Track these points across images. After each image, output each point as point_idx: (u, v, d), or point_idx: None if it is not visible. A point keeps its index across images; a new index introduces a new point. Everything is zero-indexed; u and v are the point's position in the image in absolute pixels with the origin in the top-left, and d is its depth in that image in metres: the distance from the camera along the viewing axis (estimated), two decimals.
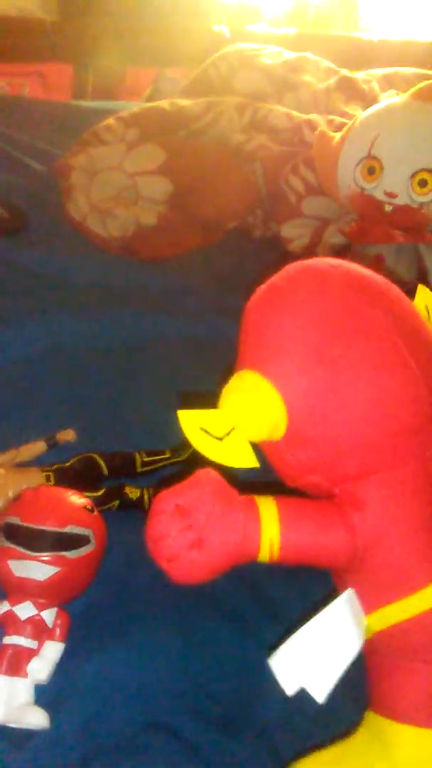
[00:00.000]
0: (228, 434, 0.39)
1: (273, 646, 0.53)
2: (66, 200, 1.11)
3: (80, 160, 1.13)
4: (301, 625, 0.40)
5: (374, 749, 0.41)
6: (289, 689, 0.39)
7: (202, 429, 0.39)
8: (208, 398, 0.43)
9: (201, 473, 0.41)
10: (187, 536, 0.38)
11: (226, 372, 0.44)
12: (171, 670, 0.52)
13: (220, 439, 0.39)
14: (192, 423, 0.39)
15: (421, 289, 0.46)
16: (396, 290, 0.43)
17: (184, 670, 0.52)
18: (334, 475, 0.41)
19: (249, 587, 0.57)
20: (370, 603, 0.41)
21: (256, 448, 0.41)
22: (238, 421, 0.39)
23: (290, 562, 0.40)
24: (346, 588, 0.41)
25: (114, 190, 1.11)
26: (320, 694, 0.38)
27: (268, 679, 0.52)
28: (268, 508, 0.40)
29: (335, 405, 0.38)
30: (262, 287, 0.43)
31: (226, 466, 0.40)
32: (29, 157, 1.31)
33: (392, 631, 0.40)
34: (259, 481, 0.44)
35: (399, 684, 0.41)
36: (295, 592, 0.57)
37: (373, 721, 0.42)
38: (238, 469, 0.40)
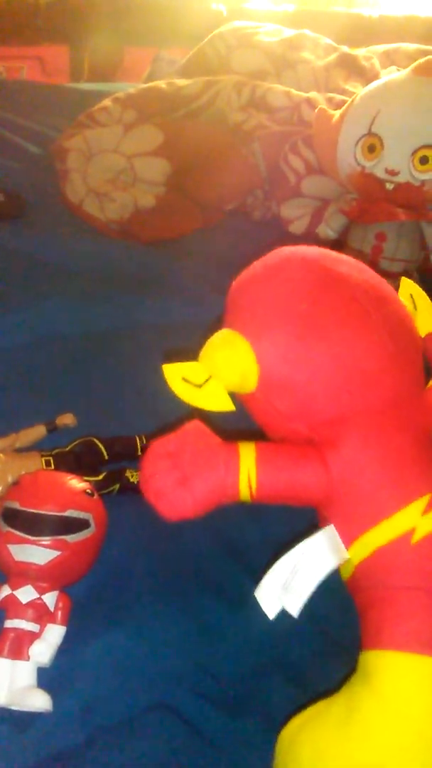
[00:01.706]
0: (206, 382, 0.44)
1: (274, 627, 0.53)
2: (63, 184, 1.10)
3: (77, 142, 1.11)
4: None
5: (359, 682, 0.41)
6: (271, 613, 0.43)
7: (183, 379, 0.45)
8: (189, 355, 0.48)
9: (190, 424, 0.46)
10: (172, 474, 0.42)
11: (209, 331, 0.49)
12: (173, 651, 0.52)
13: (199, 386, 0.44)
14: (175, 374, 0.45)
15: (404, 281, 0.50)
16: (362, 267, 0.48)
17: (187, 651, 0.52)
18: (311, 419, 0.45)
19: (248, 570, 0.57)
20: (349, 534, 0.43)
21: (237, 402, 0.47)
22: (214, 370, 0.44)
23: (269, 499, 0.44)
24: (326, 524, 0.45)
25: (111, 173, 1.10)
26: (295, 609, 0.42)
27: (271, 660, 0.52)
28: (247, 449, 0.44)
29: (304, 353, 0.42)
30: (250, 268, 0.50)
31: (212, 421, 0.45)
32: (26, 140, 1.30)
33: (372, 560, 0.43)
34: (246, 430, 0.48)
35: (382, 612, 0.42)
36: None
37: (360, 661, 0.43)
38: (220, 418, 0.45)
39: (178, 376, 0.45)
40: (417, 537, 0.40)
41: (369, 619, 0.43)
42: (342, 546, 0.44)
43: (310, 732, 0.41)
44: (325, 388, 0.43)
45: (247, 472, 0.42)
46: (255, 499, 0.44)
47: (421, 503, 0.41)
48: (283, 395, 0.44)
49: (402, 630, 0.40)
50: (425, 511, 0.41)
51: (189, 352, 0.48)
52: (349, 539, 0.44)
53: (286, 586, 0.42)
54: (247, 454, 0.43)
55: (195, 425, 0.46)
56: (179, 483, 0.42)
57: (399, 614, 0.41)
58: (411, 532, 0.41)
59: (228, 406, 0.44)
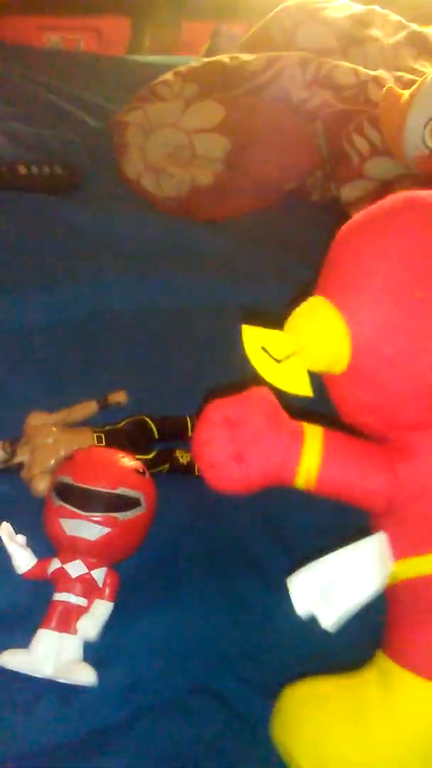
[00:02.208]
0: (288, 358, 0.38)
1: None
2: (121, 158, 1.10)
3: (136, 116, 1.10)
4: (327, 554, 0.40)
5: (375, 687, 0.40)
6: (300, 610, 0.39)
7: (263, 348, 0.39)
8: (274, 319, 0.42)
9: (255, 390, 0.41)
10: (229, 448, 0.39)
11: (301, 294, 0.42)
12: (217, 634, 0.52)
13: (279, 361, 0.39)
14: (254, 340, 0.39)
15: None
16: None
17: (230, 635, 0.52)
18: (390, 421, 0.40)
19: (294, 556, 0.56)
20: (401, 550, 0.41)
21: (316, 377, 0.41)
22: (299, 346, 0.38)
23: (325, 495, 0.41)
24: (379, 530, 0.41)
25: (170, 148, 1.08)
26: (329, 622, 0.39)
27: (315, 649, 0.52)
28: (313, 437, 0.40)
29: (405, 350, 0.36)
30: (358, 214, 0.42)
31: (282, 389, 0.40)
32: (85, 112, 1.29)
33: (416, 582, 0.40)
34: (315, 411, 0.43)
35: (413, 633, 0.40)
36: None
37: (381, 661, 0.42)
38: (291, 395, 0.40)
39: (257, 343, 0.39)
40: None
41: (399, 631, 0.42)
42: (389, 559, 0.41)
43: (315, 714, 0.41)
44: (419, 392, 0.38)
45: (309, 463, 0.39)
46: (311, 491, 0.41)
47: None
48: (367, 388, 0.38)
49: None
50: None
51: (273, 316, 0.42)
52: (400, 555, 0.41)
53: (325, 593, 0.39)
54: (313, 443, 0.39)
55: (260, 393, 0.41)
56: (234, 458, 0.39)
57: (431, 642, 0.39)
58: None
59: (307, 390, 0.39)
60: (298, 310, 0.40)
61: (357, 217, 0.41)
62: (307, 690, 0.43)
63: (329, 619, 0.39)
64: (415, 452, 0.39)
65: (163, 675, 0.49)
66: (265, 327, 0.40)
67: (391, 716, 0.39)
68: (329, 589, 0.38)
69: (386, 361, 0.37)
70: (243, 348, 0.40)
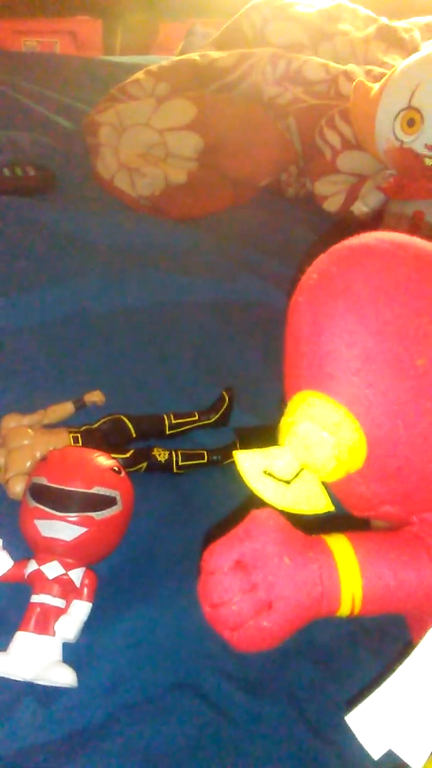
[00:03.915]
0: (297, 476, 0.32)
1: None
2: (94, 158, 1.09)
3: (108, 116, 1.10)
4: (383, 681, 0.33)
5: None
6: (375, 751, 0.32)
7: (265, 472, 0.32)
8: (265, 430, 0.35)
9: (260, 515, 0.34)
10: (253, 600, 0.32)
11: (280, 398, 0.35)
12: (199, 631, 0.51)
13: (288, 482, 0.32)
14: (252, 465, 0.33)
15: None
16: None
17: (211, 632, 0.51)
18: (414, 506, 0.35)
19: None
20: None
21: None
22: (309, 458, 0.31)
23: (374, 614, 0.34)
24: (425, 629, 0.34)
25: (143, 147, 1.08)
26: (415, 760, 0.31)
27: (297, 643, 0.52)
28: (343, 551, 0.33)
29: (424, 425, 0.30)
30: (312, 276, 0.34)
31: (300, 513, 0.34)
32: (57, 114, 1.29)
33: None
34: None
35: None
36: None
37: None
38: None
39: (257, 469, 0.32)
40: None
41: None
42: None
43: None
44: None
45: (352, 585, 0.32)
46: (355, 616, 0.34)
47: None
48: (388, 479, 0.32)
49: None
50: None
51: (263, 428, 0.38)
52: None
53: (396, 724, 0.31)
54: (347, 560, 0.32)
55: (265, 517, 0.34)
56: (260, 610, 0.32)
57: None
58: None
59: (328, 506, 0.33)
60: (290, 414, 0.33)
61: (311, 281, 0.34)
62: None
63: (417, 760, 0.31)
64: None
65: (144, 673, 0.48)
66: (259, 446, 0.33)
67: None
68: (402, 717, 0.31)
69: (404, 444, 0.31)
70: (238, 468, 0.34)
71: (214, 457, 0.64)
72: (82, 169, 1.11)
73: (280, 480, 0.32)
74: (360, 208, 0.99)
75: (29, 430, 0.61)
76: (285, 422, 0.32)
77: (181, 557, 0.56)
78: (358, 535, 0.34)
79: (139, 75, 1.17)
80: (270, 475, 0.32)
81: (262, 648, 0.32)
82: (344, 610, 0.33)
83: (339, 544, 0.33)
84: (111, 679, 0.48)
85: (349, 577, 0.32)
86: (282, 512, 0.34)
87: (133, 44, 2.11)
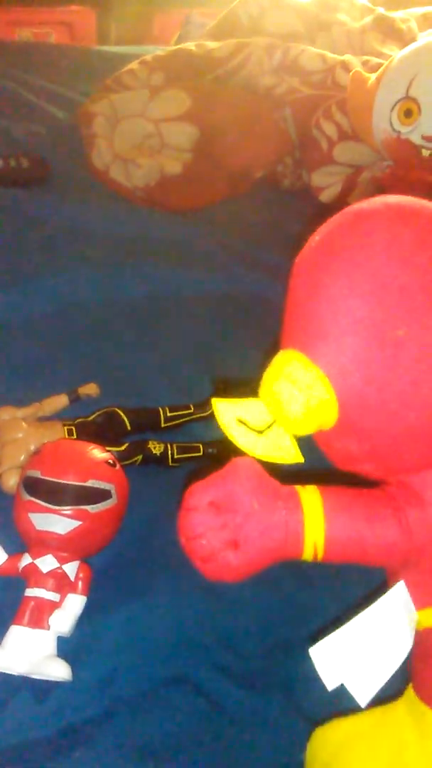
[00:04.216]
0: (269, 427, 0.34)
1: (295, 603, 0.52)
2: (89, 149, 1.08)
3: (103, 106, 1.09)
4: (347, 619, 0.36)
5: (411, 730, 0.39)
6: (330, 683, 0.35)
7: (239, 420, 0.35)
8: (245, 383, 0.37)
9: (238, 462, 0.36)
10: (221, 536, 0.34)
11: (270, 349, 0.36)
12: (195, 625, 0.51)
13: (261, 432, 0.34)
14: (228, 413, 0.35)
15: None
16: None
17: (209, 625, 0.51)
18: (389, 467, 0.36)
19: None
20: (424, 600, 0.37)
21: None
22: (280, 413, 0.33)
23: (335, 562, 0.36)
24: (397, 579, 0.37)
25: (138, 138, 1.07)
26: (363, 696, 0.34)
27: (293, 635, 0.51)
28: (312, 502, 0.35)
29: (396, 394, 0.31)
30: (314, 238, 0.35)
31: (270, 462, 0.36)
32: (52, 104, 1.28)
33: None
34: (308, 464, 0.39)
35: None
36: None
37: (413, 701, 0.40)
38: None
39: (232, 416, 0.35)
40: None
41: (426, 674, 0.39)
42: (413, 608, 0.37)
43: (353, 759, 0.39)
44: (417, 437, 0.33)
45: (314, 533, 0.34)
46: (319, 561, 0.36)
47: None
48: (359, 438, 0.34)
49: None
50: None
51: (243, 380, 0.37)
52: (423, 604, 0.37)
53: (354, 663, 0.34)
54: (314, 514, 0.35)
55: (243, 465, 0.36)
56: (229, 545, 0.34)
57: None
58: None
59: (297, 457, 0.35)
60: (271, 368, 0.34)
61: (312, 243, 0.35)
62: (341, 732, 0.40)
63: (365, 696, 0.34)
64: (423, 497, 0.35)
65: (140, 667, 0.48)
66: (238, 396, 0.36)
67: (428, 759, 0.37)
68: (358, 657, 0.34)
69: (376, 409, 0.32)
70: (217, 417, 0.36)
71: (210, 450, 0.63)
72: (77, 160, 1.10)
73: (253, 429, 0.34)
74: (357, 199, 0.98)
75: (23, 423, 0.60)
76: (264, 377, 0.34)
77: (176, 550, 0.55)
78: (329, 489, 0.36)
79: (134, 65, 1.16)
80: (244, 423, 0.35)
81: (228, 579, 0.36)
82: (307, 555, 0.35)
83: (309, 495, 0.36)
84: (106, 673, 0.48)
85: (314, 525, 0.34)
86: (261, 462, 0.36)
87: (128, 34, 2.10)
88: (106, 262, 0.88)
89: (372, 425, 0.33)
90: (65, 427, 0.61)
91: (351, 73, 0.99)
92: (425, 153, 0.87)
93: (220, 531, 0.34)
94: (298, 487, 0.36)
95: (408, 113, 0.88)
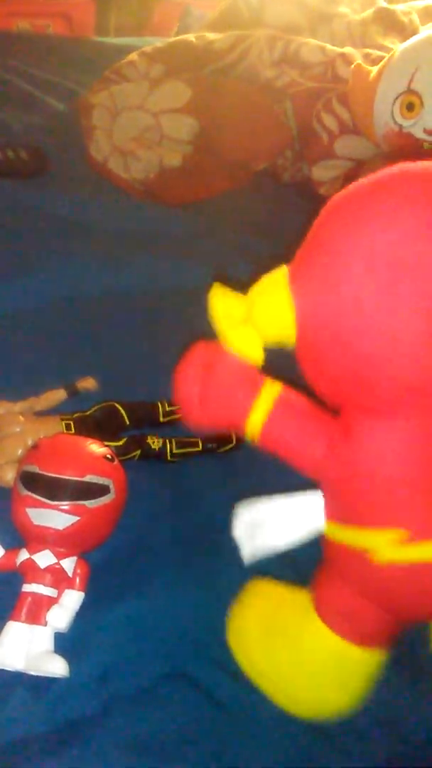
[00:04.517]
0: (243, 324, 0.39)
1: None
2: (87, 141, 1.07)
3: (102, 98, 1.08)
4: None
5: (307, 622, 0.43)
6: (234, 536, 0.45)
7: (226, 309, 0.39)
8: (247, 283, 0.41)
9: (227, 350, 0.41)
10: (196, 388, 0.41)
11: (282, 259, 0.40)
12: (192, 621, 0.51)
13: (236, 325, 0.39)
14: (220, 300, 0.40)
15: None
16: None
17: (206, 621, 0.51)
18: (332, 400, 0.40)
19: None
20: (330, 514, 0.42)
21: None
22: (251, 315, 0.38)
23: (269, 449, 0.42)
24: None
25: (137, 130, 1.06)
26: (246, 556, 0.45)
27: None
28: (269, 393, 0.41)
29: (342, 336, 0.34)
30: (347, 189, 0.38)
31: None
32: (50, 95, 1.27)
33: (338, 547, 0.42)
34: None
35: (324, 589, 0.44)
36: (317, 548, 0.55)
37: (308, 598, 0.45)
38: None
39: (222, 304, 0.39)
40: (379, 559, 0.38)
41: (318, 582, 0.45)
42: (319, 518, 0.43)
43: (259, 613, 0.45)
44: (352, 383, 0.36)
45: (256, 417, 0.40)
46: (257, 443, 0.42)
47: (400, 534, 0.37)
48: (311, 364, 0.38)
49: (336, 612, 0.42)
50: (401, 541, 0.37)
51: (246, 281, 0.41)
52: (329, 516, 0.43)
53: (254, 530, 0.44)
54: (267, 398, 0.41)
55: (232, 354, 0.41)
56: (199, 398, 0.41)
57: (336, 598, 0.43)
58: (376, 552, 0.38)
59: (257, 357, 0.39)
60: (265, 276, 0.39)
61: (348, 188, 0.38)
62: (261, 591, 0.47)
63: (246, 554, 0.44)
64: (355, 435, 0.38)
65: (137, 663, 0.48)
66: (235, 290, 0.40)
67: (313, 642, 0.43)
68: (258, 527, 0.43)
69: (325, 344, 0.35)
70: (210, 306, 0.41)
71: (209, 445, 0.63)
72: (76, 152, 1.09)
73: (232, 319, 0.39)
74: None
75: (20, 417, 0.60)
76: (260, 278, 0.39)
77: (174, 546, 0.56)
78: (293, 393, 0.42)
79: (134, 56, 1.15)
80: (227, 313, 0.39)
81: (191, 424, 0.43)
82: (249, 433, 0.42)
83: (271, 388, 0.42)
84: (103, 670, 0.47)
85: (260, 410, 0.40)
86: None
87: (127, 25, 2.08)
88: (104, 255, 0.88)
89: (320, 356, 0.37)
90: (63, 422, 0.61)
91: (352, 66, 0.98)
92: (427, 146, 0.87)
93: (197, 383, 0.42)
94: (267, 380, 0.42)
95: (410, 107, 0.87)
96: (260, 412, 0.40)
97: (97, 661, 0.48)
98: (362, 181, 0.37)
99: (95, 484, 0.49)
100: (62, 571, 0.49)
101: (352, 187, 0.36)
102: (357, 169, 1.02)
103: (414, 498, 0.37)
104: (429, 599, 0.38)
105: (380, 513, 0.38)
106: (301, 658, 0.43)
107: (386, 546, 0.37)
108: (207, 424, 0.42)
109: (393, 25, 1.26)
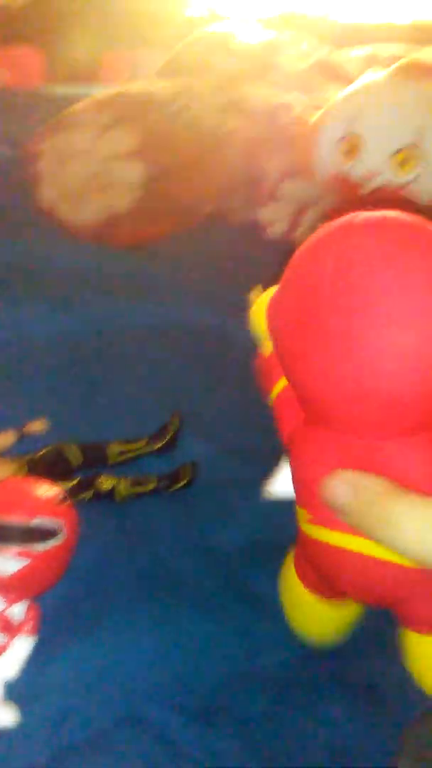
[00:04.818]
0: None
1: (250, 635, 0.52)
2: (35, 187, 1.09)
3: (50, 145, 1.10)
4: None
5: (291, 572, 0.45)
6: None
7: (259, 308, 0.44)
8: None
9: None
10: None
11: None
12: (146, 663, 0.50)
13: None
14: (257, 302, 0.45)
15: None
16: None
17: (161, 663, 0.51)
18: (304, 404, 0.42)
19: (224, 577, 0.56)
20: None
21: None
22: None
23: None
24: None
25: (85, 176, 1.08)
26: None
27: (245, 669, 0.51)
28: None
29: (291, 356, 0.36)
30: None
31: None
32: None
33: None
34: None
35: (296, 549, 0.44)
36: (272, 581, 0.56)
37: None
38: None
39: (258, 304, 0.45)
40: (304, 530, 0.40)
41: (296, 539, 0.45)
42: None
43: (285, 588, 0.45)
44: (299, 395, 0.39)
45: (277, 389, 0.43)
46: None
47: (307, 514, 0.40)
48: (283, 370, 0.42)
49: (299, 571, 0.44)
50: (309, 521, 0.39)
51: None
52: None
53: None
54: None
55: None
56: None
57: (297, 556, 0.44)
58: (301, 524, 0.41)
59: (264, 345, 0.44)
60: (262, 294, 0.45)
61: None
62: None
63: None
64: (299, 433, 0.40)
65: (91, 708, 0.47)
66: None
67: (295, 592, 0.44)
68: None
69: (285, 358, 0.37)
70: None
71: (162, 484, 0.63)
72: (24, 199, 1.10)
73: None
74: (303, 235, 1.00)
75: None
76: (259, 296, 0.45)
77: (127, 586, 0.55)
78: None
79: (81, 105, 1.18)
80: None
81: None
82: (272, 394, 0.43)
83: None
84: (55, 716, 0.46)
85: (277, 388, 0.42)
86: None
87: (77, 74, 2.13)
88: (54, 299, 0.88)
89: (285, 367, 0.38)
90: (14, 465, 0.60)
91: (294, 113, 1.02)
92: (367, 188, 0.90)
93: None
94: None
95: (350, 151, 0.91)
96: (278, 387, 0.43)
97: (49, 707, 0.47)
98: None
99: (44, 527, 0.49)
100: (12, 616, 0.48)
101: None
102: (302, 210, 1.06)
103: (317, 492, 0.39)
104: (334, 575, 0.39)
105: (298, 494, 0.41)
106: (294, 601, 0.46)
107: (303, 521, 0.39)
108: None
109: (334, 72, 1.32)
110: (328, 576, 0.40)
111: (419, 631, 0.40)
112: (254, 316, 0.47)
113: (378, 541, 0.29)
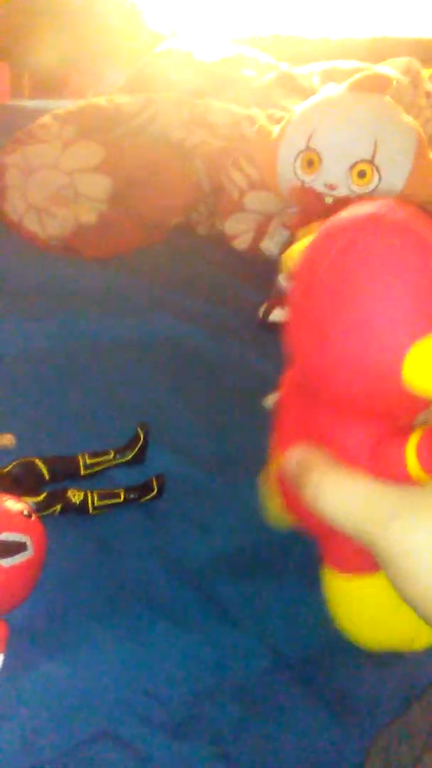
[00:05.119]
0: None
1: (221, 646, 0.52)
2: (1, 200, 1.08)
3: (15, 158, 1.10)
4: None
5: None
6: None
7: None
8: None
9: None
10: None
11: None
12: (116, 678, 0.50)
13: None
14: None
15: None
16: None
17: (131, 677, 0.50)
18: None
19: (194, 588, 0.56)
20: None
21: None
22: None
23: None
24: None
25: (51, 189, 1.08)
26: None
27: (217, 680, 0.51)
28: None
29: (297, 338, 0.35)
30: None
31: None
32: None
33: None
34: None
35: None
36: (242, 591, 0.56)
37: None
38: None
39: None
40: None
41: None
42: None
43: None
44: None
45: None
46: None
47: None
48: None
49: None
50: None
51: None
52: None
53: None
54: None
55: None
56: None
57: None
58: None
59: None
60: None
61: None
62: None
63: None
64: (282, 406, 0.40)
65: (61, 726, 0.46)
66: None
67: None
68: None
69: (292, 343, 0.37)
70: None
71: (131, 496, 0.63)
72: None
73: None
74: (267, 245, 1.02)
75: None
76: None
77: (98, 601, 0.55)
78: None
79: (46, 119, 1.18)
80: None
81: None
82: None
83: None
84: (24, 735, 0.46)
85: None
86: None
87: (42, 88, 2.13)
88: (22, 312, 0.88)
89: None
90: None
91: (255, 127, 1.03)
92: (328, 200, 0.92)
93: None
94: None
95: (310, 163, 0.92)
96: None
97: (18, 726, 0.46)
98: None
99: (11, 541, 0.48)
100: None
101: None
102: (267, 222, 1.07)
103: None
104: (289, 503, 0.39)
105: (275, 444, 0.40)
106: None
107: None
108: None
109: (294, 87, 1.35)
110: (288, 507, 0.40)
111: (335, 569, 0.39)
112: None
113: (307, 502, 0.34)
